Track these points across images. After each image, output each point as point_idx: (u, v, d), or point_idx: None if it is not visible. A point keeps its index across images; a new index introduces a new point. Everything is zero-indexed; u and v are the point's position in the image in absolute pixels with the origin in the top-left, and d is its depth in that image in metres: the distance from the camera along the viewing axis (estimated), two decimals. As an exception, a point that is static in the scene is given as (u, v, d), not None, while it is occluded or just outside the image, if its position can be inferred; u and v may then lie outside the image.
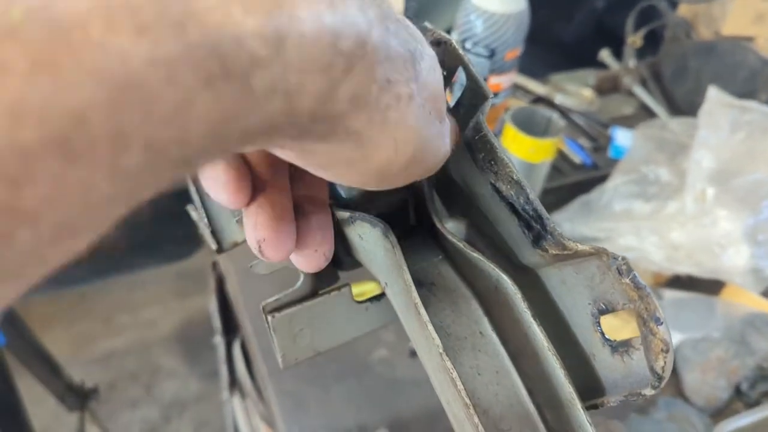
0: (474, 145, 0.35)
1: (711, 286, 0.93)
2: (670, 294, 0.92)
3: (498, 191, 0.34)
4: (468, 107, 0.37)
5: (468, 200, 0.39)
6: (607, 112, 1.22)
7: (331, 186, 0.45)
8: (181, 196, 0.52)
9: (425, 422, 0.78)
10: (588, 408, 0.34)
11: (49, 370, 1.38)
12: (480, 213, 0.38)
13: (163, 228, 1.57)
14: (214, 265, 1.12)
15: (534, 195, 0.32)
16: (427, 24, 0.39)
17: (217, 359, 1.30)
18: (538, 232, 0.32)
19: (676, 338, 0.85)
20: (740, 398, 0.85)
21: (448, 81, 0.40)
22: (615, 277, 0.28)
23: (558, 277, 0.34)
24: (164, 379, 2.20)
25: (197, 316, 2.25)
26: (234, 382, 1.30)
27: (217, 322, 1.19)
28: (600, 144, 1.14)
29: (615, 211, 0.95)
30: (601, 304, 0.31)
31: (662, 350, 0.26)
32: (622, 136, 1.12)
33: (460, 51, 0.37)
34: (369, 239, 0.38)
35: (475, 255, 0.36)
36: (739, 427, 0.78)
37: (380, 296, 0.42)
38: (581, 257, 0.31)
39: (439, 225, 0.37)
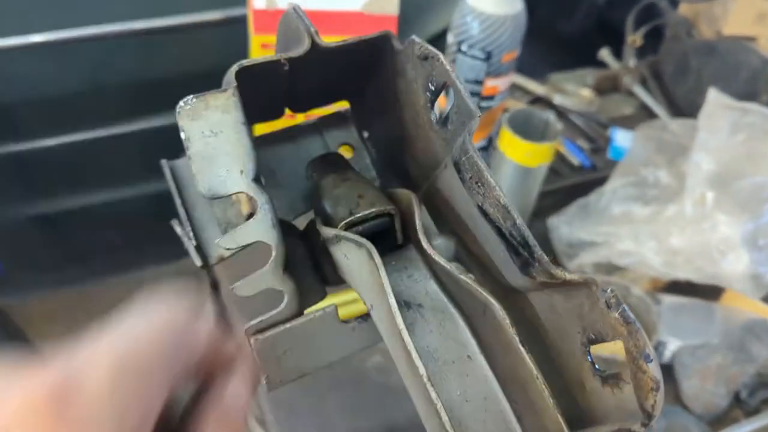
0: (461, 166, 0.34)
1: (710, 292, 0.92)
2: (668, 299, 0.91)
3: (485, 213, 0.33)
4: (456, 124, 0.36)
5: (457, 218, 0.38)
6: (607, 112, 1.21)
7: (318, 203, 0.44)
8: (166, 203, 0.51)
9: (420, 429, 0.77)
10: (576, 437, 0.33)
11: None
12: (469, 231, 0.37)
13: (160, 227, 1.56)
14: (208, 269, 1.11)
15: (521, 221, 0.30)
16: (414, 37, 0.38)
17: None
18: (525, 260, 0.31)
19: (674, 344, 0.84)
20: (739, 406, 0.84)
21: (435, 96, 0.39)
22: (603, 310, 0.27)
23: (547, 302, 0.33)
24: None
25: (196, 315, 2.24)
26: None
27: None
28: (599, 145, 1.13)
29: (614, 214, 0.94)
30: (591, 334, 0.30)
31: (652, 389, 0.25)
32: (621, 137, 1.11)
33: (448, 67, 0.35)
34: (354, 259, 0.37)
35: (463, 278, 0.35)
36: (738, 436, 0.77)
37: (367, 315, 0.41)
38: (570, 286, 0.30)
39: (426, 246, 0.36)
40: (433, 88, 0.38)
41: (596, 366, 0.30)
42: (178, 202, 0.49)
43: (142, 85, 1.19)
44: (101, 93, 1.18)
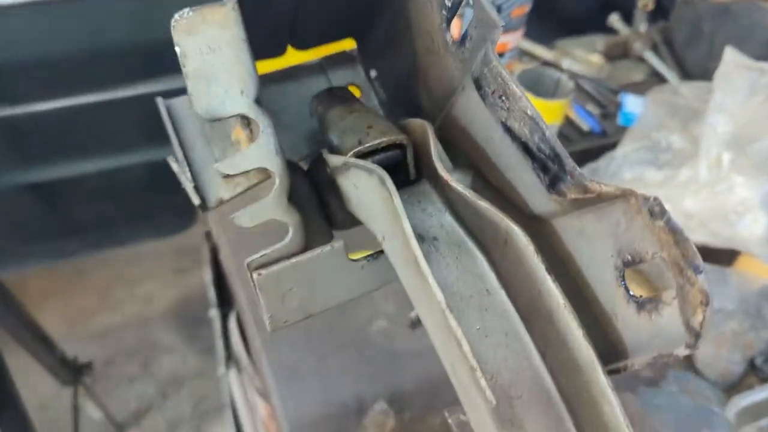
0: (483, 80, 0.32)
1: (724, 257, 0.90)
2: (681, 265, 0.88)
3: (510, 131, 0.30)
4: (476, 39, 0.33)
5: (474, 148, 0.36)
6: (617, 79, 1.18)
7: (324, 136, 0.41)
8: (164, 175, 0.48)
9: (426, 394, 0.75)
10: (609, 373, 0.30)
11: (39, 342, 1.35)
12: (488, 161, 0.35)
13: (157, 199, 1.54)
14: (208, 234, 1.09)
15: (551, 132, 0.28)
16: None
17: (213, 333, 1.27)
18: (555, 174, 0.28)
19: (688, 310, 0.82)
20: (755, 372, 0.82)
21: (453, 13, 0.36)
22: (646, 221, 0.24)
23: (576, 227, 0.30)
24: (162, 355, 2.18)
25: (195, 292, 2.23)
26: (230, 357, 1.28)
27: (212, 294, 1.15)
28: (609, 111, 1.10)
29: (625, 179, 0.91)
30: (627, 256, 0.27)
31: (701, 302, 0.23)
32: (632, 103, 1.08)
33: (466, -26, 0.33)
34: (364, 188, 0.35)
35: (483, 204, 0.32)
36: (755, 401, 0.75)
37: (377, 254, 0.39)
38: (605, 201, 0.27)
39: (442, 172, 0.34)
40: (449, 5, 0.35)
41: (630, 292, 0.27)
42: (175, 141, 0.46)
43: (140, 48, 1.15)
44: (98, 56, 1.14)
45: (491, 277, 0.34)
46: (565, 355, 0.30)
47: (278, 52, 0.48)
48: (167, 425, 2.01)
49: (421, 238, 0.35)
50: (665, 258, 0.24)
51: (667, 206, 0.72)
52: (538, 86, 0.82)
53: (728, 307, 0.82)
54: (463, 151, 0.38)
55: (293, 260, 0.36)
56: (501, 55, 0.84)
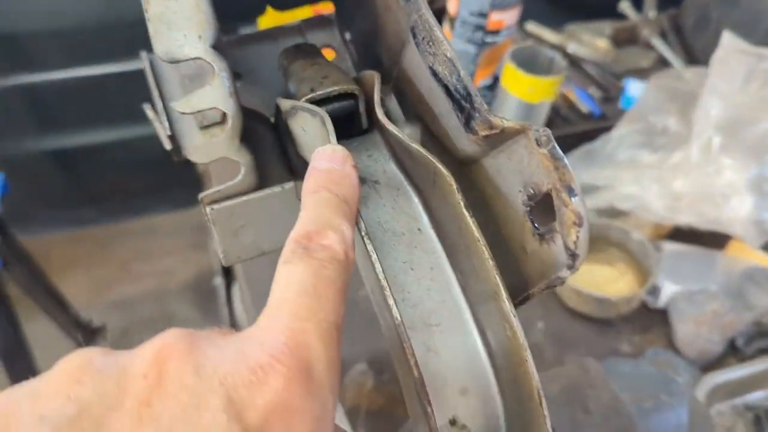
0: (416, 28, 0.34)
1: (715, 242, 0.90)
2: (670, 247, 0.89)
3: (436, 75, 0.33)
4: (416, -9, 0.35)
5: (419, 99, 0.38)
6: (623, 64, 1.18)
7: (286, 85, 0.43)
8: None
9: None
10: (519, 303, 0.32)
11: (55, 303, 1.40)
12: (429, 110, 0.37)
13: (175, 172, 1.58)
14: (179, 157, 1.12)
15: (465, 73, 0.30)
16: None
17: (218, 301, 1.31)
18: (468, 113, 0.30)
19: (670, 289, 0.83)
20: (735, 353, 0.83)
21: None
22: (534, 149, 0.27)
23: (494, 167, 0.32)
24: (179, 327, 2.23)
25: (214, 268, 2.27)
26: (234, 325, 1.31)
27: (216, 263, 1.19)
28: (611, 94, 1.11)
29: (619, 160, 0.92)
30: (530, 189, 0.29)
31: (574, 223, 0.25)
32: (634, 88, 1.08)
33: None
34: (310, 130, 0.37)
35: (415, 146, 0.34)
36: (729, 379, 0.76)
37: (328, 197, 0.41)
38: (510, 138, 0.29)
39: (381, 116, 0.36)
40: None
41: (535, 225, 0.30)
42: (155, 93, 0.49)
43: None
44: (117, 26, 1.18)
45: (423, 217, 0.36)
46: (479, 286, 0.32)
47: (258, 12, 0.51)
48: (182, 395, 2.06)
49: (362, 180, 0.38)
50: (550, 185, 0.26)
51: (654, 188, 0.73)
52: (532, 64, 0.84)
53: (711, 288, 0.83)
54: (412, 104, 0.40)
55: (245, 198, 0.39)
56: (496, 32, 0.85)
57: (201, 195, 0.38)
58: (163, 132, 0.48)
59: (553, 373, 0.60)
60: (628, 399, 0.59)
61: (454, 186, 0.32)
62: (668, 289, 0.84)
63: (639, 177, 0.87)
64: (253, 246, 0.41)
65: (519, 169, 0.30)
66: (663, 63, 1.20)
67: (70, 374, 0.21)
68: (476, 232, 0.32)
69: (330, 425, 0.22)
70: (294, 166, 0.43)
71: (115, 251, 2.34)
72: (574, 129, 1.03)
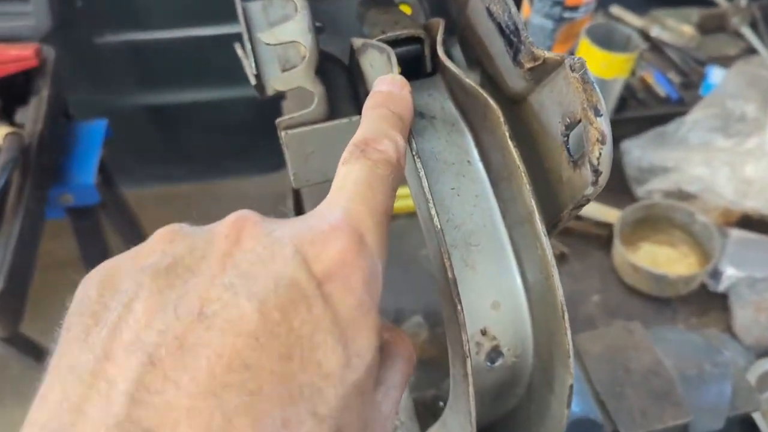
0: (476, -26, 0.37)
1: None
2: (737, 233, 0.89)
3: (491, 14, 0.36)
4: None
5: (479, 43, 0.41)
6: (708, 51, 1.16)
7: (361, 29, 0.47)
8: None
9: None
10: (552, 228, 0.35)
11: (137, 235, 1.51)
12: (486, 52, 0.40)
13: (261, 136, 1.66)
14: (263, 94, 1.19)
15: (515, 10, 0.33)
16: None
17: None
18: (516, 47, 0.33)
19: (732, 274, 0.83)
20: (795, 344, 0.82)
21: None
22: (569, 74, 0.29)
23: (538, 101, 0.35)
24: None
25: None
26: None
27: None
28: (692, 81, 1.09)
29: (690, 144, 0.92)
30: (567, 119, 0.32)
31: (598, 140, 0.28)
32: (716, 75, 1.07)
33: None
34: (377, 66, 0.41)
35: (468, 81, 0.37)
36: (782, 367, 0.76)
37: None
38: (552, 70, 0.32)
39: (442, 56, 0.39)
40: None
41: (570, 153, 0.32)
42: (245, 36, 0.54)
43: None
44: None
45: (474, 151, 0.39)
46: (517, 210, 0.36)
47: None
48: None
49: (421, 115, 0.41)
50: (581, 106, 0.29)
51: (724, 171, 0.75)
52: (608, 41, 0.84)
53: (775, 276, 0.82)
54: (473, 48, 0.43)
55: (316, 126, 0.43)
56: (575, 8, 0.86)
57: (278, 120, 0.43)
58: (250, 70, 0.53)
59: (599, 333, 0.62)
60: (671, 364, 0.60)
61: (501, 118, 0.36)
62: (730, 274, 0.83)
63: (710, 160, 0.87)
64: (320, 172, 0.45)
65: (559, 101, 0.32)
66: (751, 52, 1.17)
67: (163, 237, 0.26)
68: (517, 159, 0.35)
69: (378, 285, 0.26)
70: (362, 104, 0.47)
71: (202, 212, 2.46)
72: (649, 112, 1.03)
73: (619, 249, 0.84)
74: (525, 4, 0.91)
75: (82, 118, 1.18)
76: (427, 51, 0.43)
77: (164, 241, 0.26)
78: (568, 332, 0.33)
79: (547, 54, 0.31)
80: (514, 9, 0.33)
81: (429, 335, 0.80)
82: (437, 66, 0.44)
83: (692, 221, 0.86)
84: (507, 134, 0.35)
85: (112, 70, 1.47)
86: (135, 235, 1.39)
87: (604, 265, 0.88)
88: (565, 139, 0.33)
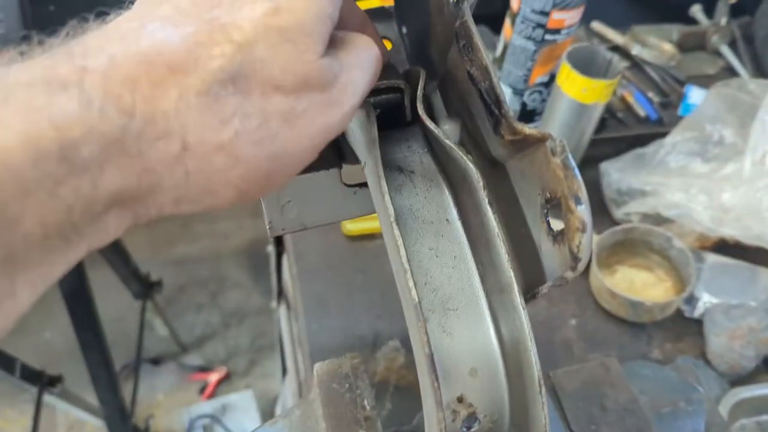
0: (459, 33, 0.36)
1: (759, 258, 0.90)
2: (712, 258, 0.89)
3: (472, 79, 0.35)
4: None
5: (459, 98, 0.40)
6: (687, 70, 1.16)
7: None
8: None
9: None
10: (529, 298, 0.35)
11: (116, 253, 1.49)
12: (467, 109, 0.39)
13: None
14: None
15: (497, 81, 0.32)
16: None
17: (269, 268, 1.37)
18: (497, 118, 0.33)
19: (707, 300, 0.83)
20: None
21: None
22: (550, 159, 0.29)
23: (519, 169, 0.35)
24: (229, 289, 2.32)
25: (267, 236, 2.34)
26: (281, 292, 1.37)
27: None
28: (671, 101, 1.10)
29: (669, 167, 0.92)
30: (547, 193, 0.32)
31: (578, 229, 0.27)
32: (696, 95, 1.07)
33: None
34: (355, 119, 0.40)
35: (448, 143, 0.37)
36: (756, 395, 0.77)
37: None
38: (532, 144, 0.31)
39: (421, 113, 0.39)
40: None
41: (550, 227, 0.32)
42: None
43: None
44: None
45: (452, 209, 0.39)
46: (496, 277, 0.35)
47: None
48: (226, 353, 2.15)
49: (399, 169, 0.41)
50: (561, 193, 0.29)
51: (702, 198, 0.75)
52: (589, 65, 0.84)
53: (750, 303, 0.83)
54: (454, 101, 0.42)
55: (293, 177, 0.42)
56: (557, 31, 0.86)
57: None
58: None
59: (575, 369, 0.62)
60: (646, 402, 0.61)
61: (481, 183, 0.35)
62: (706, 300, 0.84)
63: (688, 185, 0.87)
64: (296, 221, 0.44)
65: (539, 174, 0.32)
66: (729, 72, 1.18)
67: None
68: (496, 227, 0.34)
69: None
70: (344, 152, 0.46)
71: (178, 212, 2.44)
72: (628, 132, 1.03)
73: (596, 273, 0.85)
74: (507, 25, 0.91)
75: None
76: (407, 101, 0.42)
77: None
78: (545, 407, 0.33)
79: (528, 130, 0.31)
80: (495, 79, 0.32)
81: (406, 360, 0.80)
82: (417, 116, 0.43)
83: (669, 246, 0.87)
84: (486, 200, 0.35)
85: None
86: (112, 250, 1.37)
87: (581, 288, 0.89)
88: (545, 211, 0.33)
